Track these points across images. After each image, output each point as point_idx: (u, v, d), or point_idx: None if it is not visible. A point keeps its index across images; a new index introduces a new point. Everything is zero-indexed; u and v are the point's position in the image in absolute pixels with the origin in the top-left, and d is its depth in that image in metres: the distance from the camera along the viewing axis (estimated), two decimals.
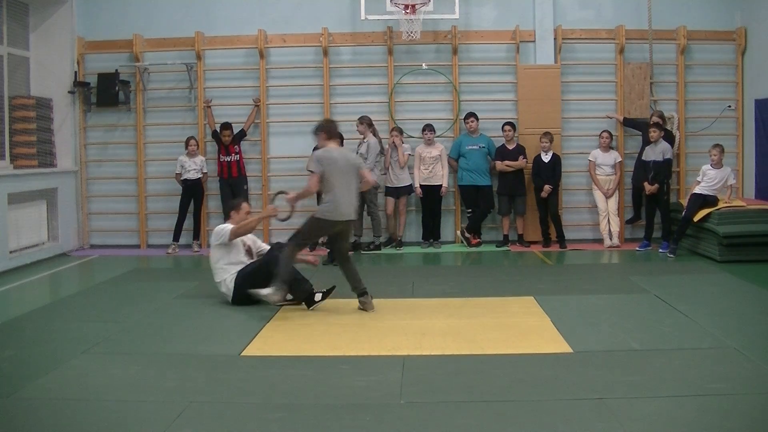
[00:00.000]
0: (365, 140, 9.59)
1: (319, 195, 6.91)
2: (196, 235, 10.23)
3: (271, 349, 5.25)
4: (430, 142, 9.86)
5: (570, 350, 5.07)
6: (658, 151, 9.24)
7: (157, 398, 4.22)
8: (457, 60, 10.27)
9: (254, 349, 5.23)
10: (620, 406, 3.98)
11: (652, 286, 7.07)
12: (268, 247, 6.83)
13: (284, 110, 10.48)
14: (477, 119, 9.91)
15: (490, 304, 6.49)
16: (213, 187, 10.26)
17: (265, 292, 6.08)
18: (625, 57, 10.24)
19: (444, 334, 5.52)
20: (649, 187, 9.29)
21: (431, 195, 9.90)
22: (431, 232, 10.03)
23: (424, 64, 10.28)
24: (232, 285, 6.48)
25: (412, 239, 10.31)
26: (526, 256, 9.50)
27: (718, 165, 9.00)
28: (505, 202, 9.95)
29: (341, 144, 7.94)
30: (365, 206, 9.58)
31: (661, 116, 9.65)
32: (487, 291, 7.07)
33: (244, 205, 6.90)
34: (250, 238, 6.86)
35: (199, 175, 10.00)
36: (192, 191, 10.01)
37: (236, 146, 9.97)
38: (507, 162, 9.83)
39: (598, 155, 9.92)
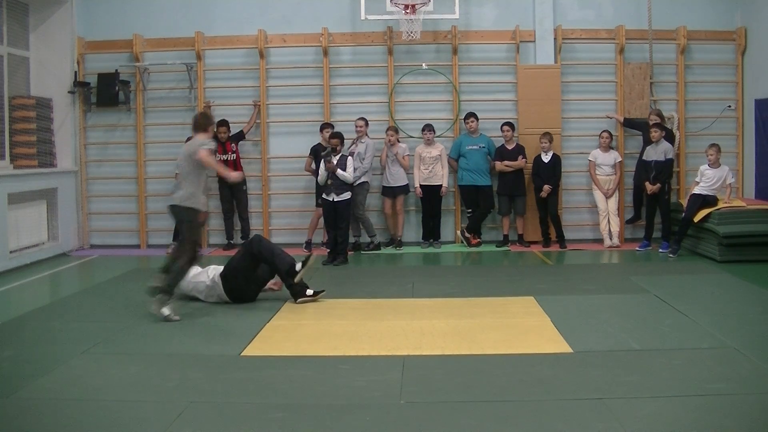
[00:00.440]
0: (363, 140, 9.59)
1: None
2: None
3: (271, 349, 5.26)
4: (430, 142, 9.86)
5: (570, 350, 5.07)
6: (659, 151, 9.24)
7: (157, 398, 4.22)
8: (457, 60, 10.27)
9: (254, 349, 5.23)
10: (620, 406, 3.98)
11: (652, 286, 7.07)
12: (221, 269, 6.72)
13: (284, 110, 10.48)
14: (477, 119, 9.91)
15: (490, 304, 6.49)
16: (212, 187, 10.23)
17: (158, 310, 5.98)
18: (625, 57, 10.24)
19: (444, 334, 5.52)
20: (650, 187, 9.29)
21: (431, 195, 9.89)
22: (431, 232, 10.02)
23: (424, 64, 10.28)
24: (221, 286, 6.54)
25: (412, 239, 10.31)
26: (526, 256, 9.50)
27: (715, 165, 9.00)
28: (505, 202, 9.95)
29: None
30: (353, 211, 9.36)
31: (659, 115, 9.65)
32: (487, 291, 7.06)
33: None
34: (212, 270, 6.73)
35: None
36: None
37: (233, 144, 9.95)
38: (506, 162, 9.83)
39: (598, 155, 9.92)
